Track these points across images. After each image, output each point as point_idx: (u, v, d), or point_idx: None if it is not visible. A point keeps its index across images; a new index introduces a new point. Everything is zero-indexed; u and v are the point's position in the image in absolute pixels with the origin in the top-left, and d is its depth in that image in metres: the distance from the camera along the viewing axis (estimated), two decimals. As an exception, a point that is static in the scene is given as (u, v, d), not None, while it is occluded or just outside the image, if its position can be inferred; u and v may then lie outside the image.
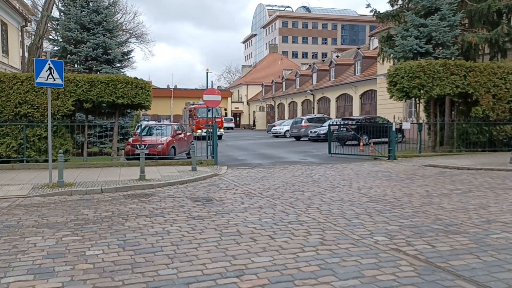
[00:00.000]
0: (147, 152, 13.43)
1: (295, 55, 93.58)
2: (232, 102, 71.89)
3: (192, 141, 19.12)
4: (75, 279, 4.43)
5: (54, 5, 23.37)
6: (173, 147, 16.80)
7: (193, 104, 39.29)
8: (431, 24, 18.23)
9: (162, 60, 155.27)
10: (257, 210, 7.79)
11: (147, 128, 18.47)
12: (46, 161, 13.23)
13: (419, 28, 18.58)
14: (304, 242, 5.72)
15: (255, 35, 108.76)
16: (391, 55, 19.95)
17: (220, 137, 33.04)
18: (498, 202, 8.18)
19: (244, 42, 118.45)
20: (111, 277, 4.49)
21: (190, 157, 17.36)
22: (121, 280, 4.42)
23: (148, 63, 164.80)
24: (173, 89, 69.69)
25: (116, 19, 23.03)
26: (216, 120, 31.76)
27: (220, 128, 32.81)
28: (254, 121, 64.78)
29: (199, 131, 27.66)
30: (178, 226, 6.62)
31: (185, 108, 43.87)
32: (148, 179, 11.15)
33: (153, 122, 31.09)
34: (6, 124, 13.57)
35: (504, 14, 18.49)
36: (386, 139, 17.31)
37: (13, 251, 5.35)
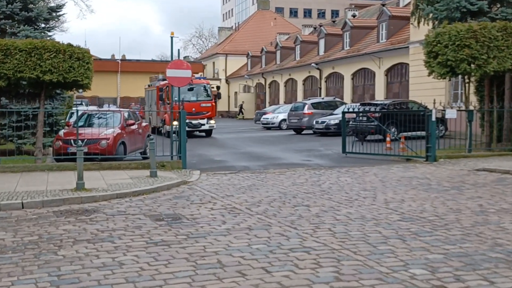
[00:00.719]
0: (86, 150, 13.36)
1: (293, 13, 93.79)
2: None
3: (150, 135, 19.15)
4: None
5: None
6: (123, 143, 16.78)
7: (164, 80, 34.74)
8: (486, -29, 18.51)
9: (104, 20, 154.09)
10: (245, 232, 7.85)
11: (85, 117, 18.40)
12: None
13: (470, -22, 18.82)
14: (313, 277, 5.80)
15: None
16: (431, 14, 20.18)
17: (209, 132, 32.11)
18: None
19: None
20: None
21: (147, 158, 17.36)
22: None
23: (85, 24, 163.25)
24: (121, 60, 69.43)
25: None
26: (203, 105, 30.93)
27: (210, 116, 31.69)
28: (241, 107, 64.25)
29: (176, 122, 26.50)
30: (135, 255, 6.65)
31: (149, 85, 39.72)
32: (89, 189, 11.13)
33: (94, 108, 30.94)
34: None
35: None
36: (423, 133, 17.51)
37: None
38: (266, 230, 7.99)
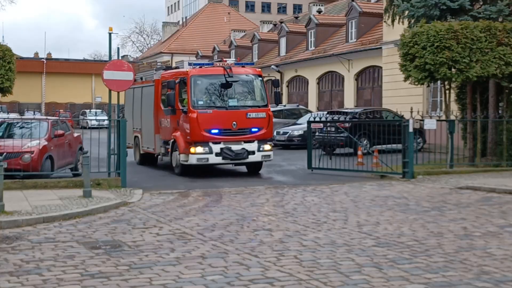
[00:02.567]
0: (5, 166, 13.08)
1: (250, 7, 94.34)
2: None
3: (83, 147, 18.87)
4: None
5: None
6: (50, 157, 16.49)
7: (171, 68, 22.76)
8: (467, -36, 19.02)
9: (27, 12, 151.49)
10: (197, 261, 7.82)
11: (4, 126, 18.03)
12: None
13: (450, -29, 19.32)
14: (278, 312, 5.83)
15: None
16: (406, 11, 20.58)
17: (257, 166, 19.70)
18: None
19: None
20: None
21: (78, 175, 17.12)
22: None
23: (4, 16, 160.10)
24: (46, 59, 68.35)
25: None
26: (253, 115, 18.12)
27: (265, 137, 18.70)
28: None
29: (200, 149, 17.38)
30: (64, 291, 6.56)
31: (141, 79, 23.14)
32: (10, 212, 10.92)
33: (15, 116, 30.31)
34: None
35: None
36: (399, 146, 17.75)
37: None
38: (223, 258, 7.97)
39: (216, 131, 17.32)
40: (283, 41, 49.49)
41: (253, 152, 17.77)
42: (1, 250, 8.50)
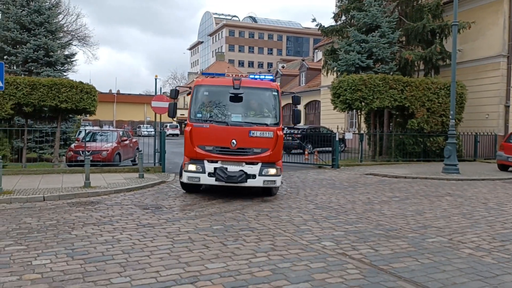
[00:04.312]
0: (91, 158, 12.99)
1: (241, 64, 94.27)
2: (177, 109, 71.08)
3: (138, 148, 18.77)
4: (23, 290, 4.27)
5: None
6: (118, 153, 16.39)
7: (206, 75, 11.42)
8: (371, 40, 19.24)
9: (105, 64, 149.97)
10: (207, 217, 7.82)
11: (90, 134, 17.85)
12: (-20, 167, 12.39)
13: (361, 44, 19.53)
14: (256, 248, 5.86)
15: (202, 42, 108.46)
16: (335, 68, 20.78)
17: (267, 192, 10.49)
18: (432, 209, 8.81)
19: (190, 49, 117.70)
20: (62, 287, 4.37)
21: (136, 164, 17.00)
22: (73, 289, 4.32)
23: (91, 67, 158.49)
24: (116, 94, 67.63)
25: (58, 20, 22.14)
26: (257, 133, 9.69)
27: (270, 160, 9.85)
28: None
29: (189, 168, 9.85)
30: (128, 234, 6.53)
31: (197, 86, 10.33)
32: (94, 186, 10.81)
33: (96, 128, 30.03)
34: None
35: (437, 34, 19.91)
36: (330, 148, 17.88)
37: (-50, 262, 5.02)
38: (223, 215, 7.99)
39: (210, 148, 9.57)
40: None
41: (253, 176, 9.53)
42: (88, 210, 8.46)
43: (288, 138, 23.30)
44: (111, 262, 5.17)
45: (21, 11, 18.30)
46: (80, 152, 14.98)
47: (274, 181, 9.74)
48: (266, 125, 9.81)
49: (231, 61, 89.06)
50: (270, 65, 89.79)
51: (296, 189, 11.43)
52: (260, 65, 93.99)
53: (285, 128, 25.40)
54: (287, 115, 41.38)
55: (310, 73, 38.82)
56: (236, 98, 9.84)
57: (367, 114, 20.02)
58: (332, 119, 28.92)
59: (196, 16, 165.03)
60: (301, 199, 9.84)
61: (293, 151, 22.18)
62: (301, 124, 35.65)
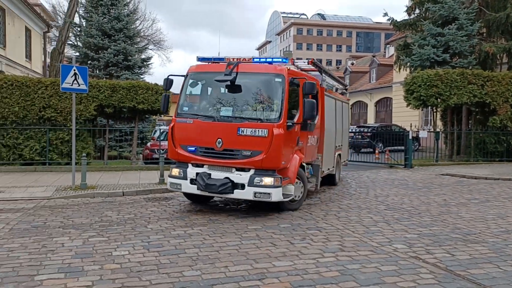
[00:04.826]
0: (165, 156, 13.61)
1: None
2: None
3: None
4: (104, 278, 4.59)
5: (76, 12, 23.94)
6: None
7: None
8: (448, 33, 18.16)
9: (178, 66, 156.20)
10: (274, 215, 7.84)
11: (165, 133, 18.69)
12: (68, 163, 13.51)
13: (436, 38, 18.50)
14: (324, 248, 5.80)
15: (270, 42, 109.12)
16: (408, 63, 19.89)
17: (276, 204, 8.05)
18: (517, 212, 8.14)
19: (258, 49, 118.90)
20: (139, 277, 4.64)
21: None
22: (148, 280, 4.57)
23: (165, 69, 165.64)
24: (189, 94, 70.05)
25: (135, 26, 23.49)
26: (248, 131, 7.43)
27: (264, 166, 7.45)
28: None
29: (173, 172, 8.20)
30: (199, 229, 6.74)
31: (188, 74, 8.51)
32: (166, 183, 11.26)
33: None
34: (30, 127, 13.92)
35: (524, 24, 18.34)
36: (402, 147, 17.20)
37: (42, 250, 5.53)
38: (290, 214, 7.95)
39: (193, 148, 7.74)
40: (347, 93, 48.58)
41: (241, 186, 7.44)
42: (162, 205, 8.83)
43: (357, 136, 22.83)
44: (183, 256, 5.38)
45: (102, 19, 19.66)
46: (155, 150, 15.74)
47: (269, 194, 7.24)
48: (261, 120, 7.43)
49: (298, 60, 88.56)
50: (339, 62, 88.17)
51: (365, 189, 11.13)
52: (329, 62, 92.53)
53: (353, 127, 24.86)
54: (356, 113, 40.51)
55: (381, 69, 37.54)
56: (229, 87, 7.74)
57: (444, 111, 18.96)
58: (405, 116, 27.72)
59: (264, 16, 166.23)
60: (371, 200, 9.56)
61: (362, 150, 21.65)
62: (371, 122, 34.70)
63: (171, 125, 8.09)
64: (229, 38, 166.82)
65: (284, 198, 7.58)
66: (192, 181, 7.79)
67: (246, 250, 5.66)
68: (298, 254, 5.51)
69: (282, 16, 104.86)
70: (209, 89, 8.36)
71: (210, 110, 7.96)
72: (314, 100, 7.84)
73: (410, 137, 16.22)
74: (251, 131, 7.38)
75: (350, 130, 22.03)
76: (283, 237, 6.33)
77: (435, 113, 18.84)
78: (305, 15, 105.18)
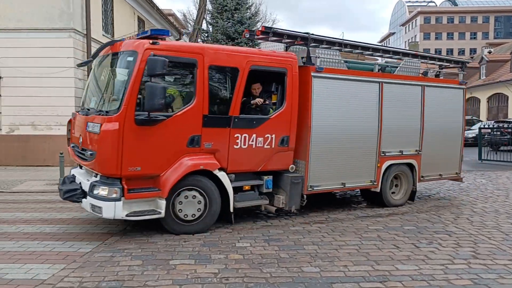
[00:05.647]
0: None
1: (438, 52, 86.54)
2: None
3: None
4: (229, 267, 4.89)
5: (204, 19, 25.78)
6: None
7: None
8: None
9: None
10: (398, 216, 7.49)
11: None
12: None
13: None
14: (454, 253, 5.36)
15: (393, 33, 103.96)
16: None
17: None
18: None
19: (381, 41, 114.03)
20: (260, 269, 4.84)
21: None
22: (269, 272, 4.74)
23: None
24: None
25: (257, 28, 24.35)
26: (93, 126, 5.85)
27: (104, 170, 5.69)
28: None
29: None
30: (318, 226, 6.75)
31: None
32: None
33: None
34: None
35: None
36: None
37: (176, 237, 6.08)
38: (415, 216, 7.52)
39: (72, 146, 6.77)
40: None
41: (86, 195, 5.88)
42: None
43: (495, 133, 20.52)
44: (302, 252, 5.45)
45: (227, 23, 20.82)
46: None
47: (101, 208, 5.59)
48: (106, 113, 5.70)
49: (426, 51, 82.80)
50: (473, 51, 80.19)
51: (504, 191, 9.97)
52: (461, 51, 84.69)
53: (491, 122, 22.36)
54: (494, 106, 36.56)
55: (525, 57, 33.10)
56: (93, 73, 6.80)
57: None
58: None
59: (387, 7, 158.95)
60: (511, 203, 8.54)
61: (502, 147, 19.35)
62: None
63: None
64: (349, 32, 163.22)
65: (131, 216, 5.64)
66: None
67: (367, 250, 5.51)
68: (424, 258, 5.19)
69: (408, 6, 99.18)
70: (90, 76, 7.14)
71: (87, 101, 6.71)
72: (157, 84, 5.47)
73: None
74: (92, 126, 5.85)
75: (485, 126, 19.98)
76: (407, 239, 6.01)
77: None
78: (434, 2, 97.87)
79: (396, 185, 8.30)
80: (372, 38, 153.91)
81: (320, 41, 7.29)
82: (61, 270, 4.75)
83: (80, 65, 7.56)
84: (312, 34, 7.10)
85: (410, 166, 8.26)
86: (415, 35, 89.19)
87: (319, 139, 6.98)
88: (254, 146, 6.49)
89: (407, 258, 5.21)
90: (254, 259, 5.15)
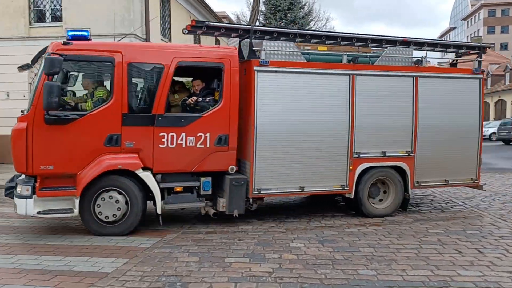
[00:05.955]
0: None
1: (504, 47, 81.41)
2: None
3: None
4: (283, 267, 4.90)
5: (257, 20, 25.99)
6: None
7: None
8: None
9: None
10: (460, 220, 7.15)
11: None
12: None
13: None
14: (522, 261, 5.04)
15: (454, 28, 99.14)
16: None
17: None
18: None
19: (440, 37, 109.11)
20: (314, 270, 4.82)
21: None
22: (324, 273, 4.70)
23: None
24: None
25: (310, 27, 24.16)
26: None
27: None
28: None
29: None
30: (374, 229, 6.60)
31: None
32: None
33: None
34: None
35: None
36: None
37: (230, 236, 6.19)
38: (479, 219, 7.17)
39: None
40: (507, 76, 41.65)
41: None
42: (335, 201, 8.89)
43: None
44: (357, 254, 5.36)
45: (280, 23, 20.87)
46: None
47: (16, 205, 5.83)
48: (22, 113, 6.02)
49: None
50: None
51: None
52: (530, 45, 79.05)
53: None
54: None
55: None
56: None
57: None
58: None
59: (448, 1, 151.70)
60: None
61: None
62: None
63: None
64: (407, 28, 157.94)
65: (43, 214, 5.73)
66: None
67: (426, 254, 5.32)
68: (489, 264, 4.93)
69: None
70: None
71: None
72: (53, 83, 5.43)
73: None
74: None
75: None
76: (470, 244, 5.73)
77: None
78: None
79: (385, 192, 7.36)
80: (431, 33, 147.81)
81: (269, 33, 6.80)
82: (124, 264, 4.99)
83: (20, 68, 7.34)
84: (255, 26, 6.69)
85: (399, 170, 7.23)
86: (478, 29, 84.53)
87: (266, 138, 6.38)
88: (184, 146, 6.14)
89: (470, 263, 4.97)
90: (308, 260, 5.13)
